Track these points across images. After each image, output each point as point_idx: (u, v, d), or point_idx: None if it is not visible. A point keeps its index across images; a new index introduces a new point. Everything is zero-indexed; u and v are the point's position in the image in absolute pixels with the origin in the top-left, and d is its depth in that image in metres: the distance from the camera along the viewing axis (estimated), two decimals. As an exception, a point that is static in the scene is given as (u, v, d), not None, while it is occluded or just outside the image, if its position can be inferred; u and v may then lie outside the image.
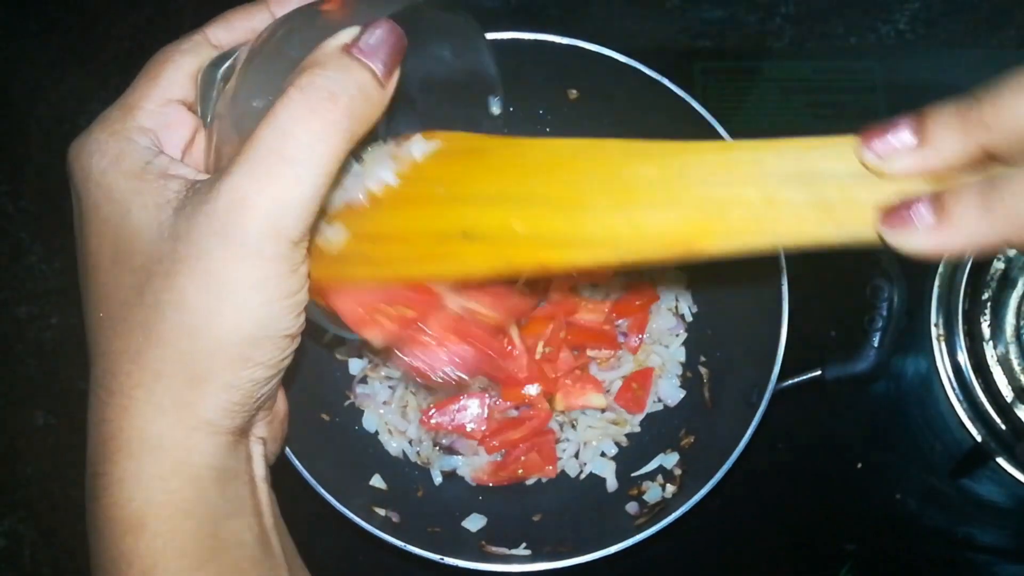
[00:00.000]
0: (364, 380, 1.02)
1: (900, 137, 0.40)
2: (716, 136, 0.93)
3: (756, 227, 0.46)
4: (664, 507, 0.90)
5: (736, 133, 0.93)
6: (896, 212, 0.39)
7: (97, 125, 0.50)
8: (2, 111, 1.19)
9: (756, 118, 1.16)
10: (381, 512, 0.92)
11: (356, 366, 1.03)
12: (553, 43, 0.95)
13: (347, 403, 1.02)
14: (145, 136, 0.48)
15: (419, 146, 0.60)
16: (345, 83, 0.43)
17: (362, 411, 1.02)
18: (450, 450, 1.00)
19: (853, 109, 1.16)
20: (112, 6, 1.22)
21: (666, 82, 0.94)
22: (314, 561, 1.03)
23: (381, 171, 0.59)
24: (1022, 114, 0.39)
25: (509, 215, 0.50)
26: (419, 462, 1.01)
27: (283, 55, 0.48)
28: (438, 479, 1.00)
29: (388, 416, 1.01)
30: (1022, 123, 0.38)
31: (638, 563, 1.00)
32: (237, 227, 0.41)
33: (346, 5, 0.51)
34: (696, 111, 0.94)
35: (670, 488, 0.96)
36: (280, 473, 0.88)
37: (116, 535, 0.47)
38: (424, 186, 0.57)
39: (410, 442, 1.01)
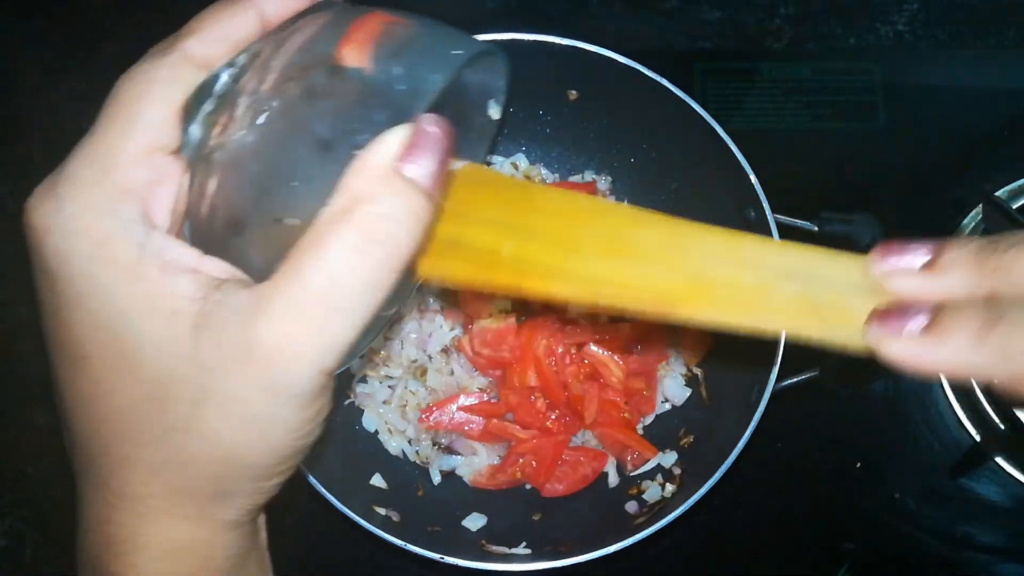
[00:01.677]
0: (364, 379, 1.03)
1: (914, 259, 0.41)
2: (715, 135, 0.93)
3: (741, 307, 0.46)
4: (664, 506, 0.90)
5: (736, 133, 0.93)
6: (889, 314, 0.39)
7: (65, 184, 0.40)
8: (3, 111, 1.19)
9: (755, 119, 1.16)
10: (381, 511, 0.92)
11: (355, 365, 1.03)
12: (553, 44, 0.96)
13: (347, 402, 1.02)
14: (130, 204, 0.40)
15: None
16: (400, 217, 0.38)
17: (362, 410, 1.02)
18: (449, 450, 1.01)
19: (852, 110, 1.17)
20: (112, 6, 1.22)
21: (666, 83, 0.95)
22: (314, 560, 1.03)
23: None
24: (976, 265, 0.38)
25: (500, 238, 0.51)
26: (418, 461, 1.01)
27: (302, 115, 0.40)
28: (437, 478, 1.00)
29: (388, 415, 1.02)
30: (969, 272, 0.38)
31: (638, 563, 1.00)
32: (281, 376, 0.38)
33: (384, 41, 0.42)
34: (695, 112, 0.94)
35: (670, 487, 0.96)
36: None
37: None
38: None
39: (409, 441, 1.02)
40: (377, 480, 0.98)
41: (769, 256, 0.46)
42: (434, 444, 1.01)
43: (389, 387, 1.03)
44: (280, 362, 0.37)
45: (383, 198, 0.38)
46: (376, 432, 1.02)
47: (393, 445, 1.01)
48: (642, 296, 0.48)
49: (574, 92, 1.04)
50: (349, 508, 0.84)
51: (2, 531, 1.04)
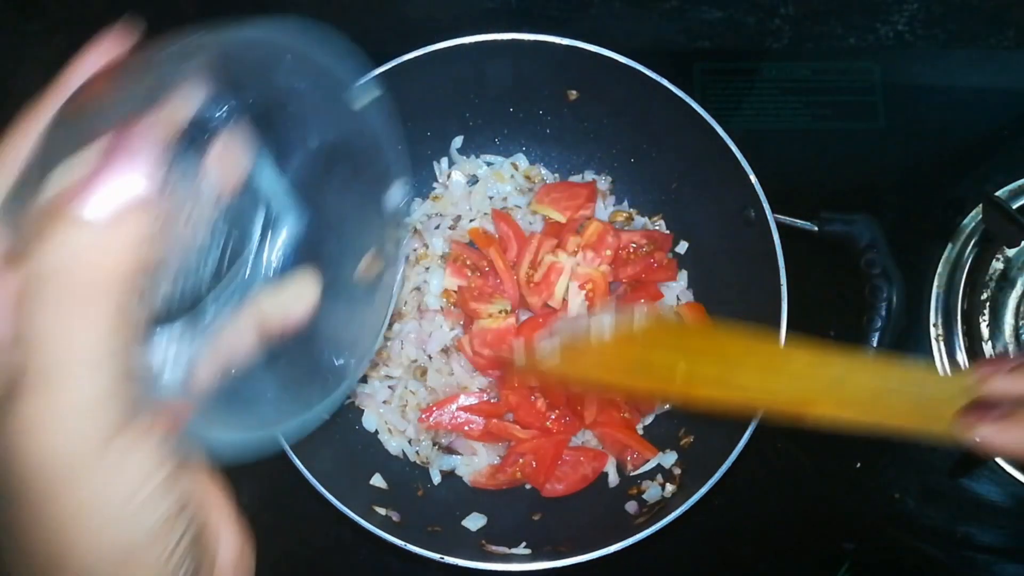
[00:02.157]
0: (364, 380, 1.03)
1: (1006, 366, 0.55)
2: (715, 135, 0.93)
3: (862, 410, 0.63)
4: (664, 506, 0.90)
5: (735, 133, 0.93)
6: (979, 406, 0.54)
7: None
8: (3, 111, 1.19)
9: (755, 119, 1.16)
10: (381, 511, 0.92)
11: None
12: (553, 44, 0.96)
13: (347, 402, 1.02)
14: None
15: (640, 315, 0.79)
16: (80, 254, 0.34)
17: (362, 410, 1.02)
18: (449, 450, 1.01)
19: (852, 109, 1.17)
20: (113, 6, 1.22)
21: (665, 83, 0.95)
22: (315, 560, 1.03)
23: (607, 320, 0.77)
24: None
25: (679, 358, 0.69)
26: (418, 461, 1.01)
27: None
28: (437, 478, 1.00)
29: (388, 415, 1.02)
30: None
31: (638, 562, 1.00)
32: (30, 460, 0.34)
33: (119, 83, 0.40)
34: (695, 111, 0.94)
35: (669, 487, 0.96)
36: (281, 472, 0.88)
37: None
38: (629, 346, 0.76)
39: (409, 441, 1.02)
40: (377, 480, 0.98)
41: (884, 374, 0.64)
42: (434, 444, 1.01)
43: (389, 387, 1.03)
44: (26, 444, 0.34)
45: (50, 234, 0.34)
46: (376, 432, 1.02)
47: (393, 445, 1.01)
48: (788, 401, 0.65)
49: (574, 92, 1.04)
50: (349, 508, 0.84)
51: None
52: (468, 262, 1.04)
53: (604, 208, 1.09)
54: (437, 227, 1.08)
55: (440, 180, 1.10)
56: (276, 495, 1.03)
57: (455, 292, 1.04)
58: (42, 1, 1.23)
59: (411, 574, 1.00)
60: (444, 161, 1.10)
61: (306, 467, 0.84)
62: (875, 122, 1.17)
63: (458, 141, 1.09)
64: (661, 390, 0.71)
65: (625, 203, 1.10)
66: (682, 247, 1.07)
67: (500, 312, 1.00)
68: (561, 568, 0.84)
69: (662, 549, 1.00)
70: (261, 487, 1.04)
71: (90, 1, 1.23)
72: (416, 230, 1.08)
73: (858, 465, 1.04)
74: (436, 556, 0.83)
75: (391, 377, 1.03)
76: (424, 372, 1.02)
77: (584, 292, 1.02)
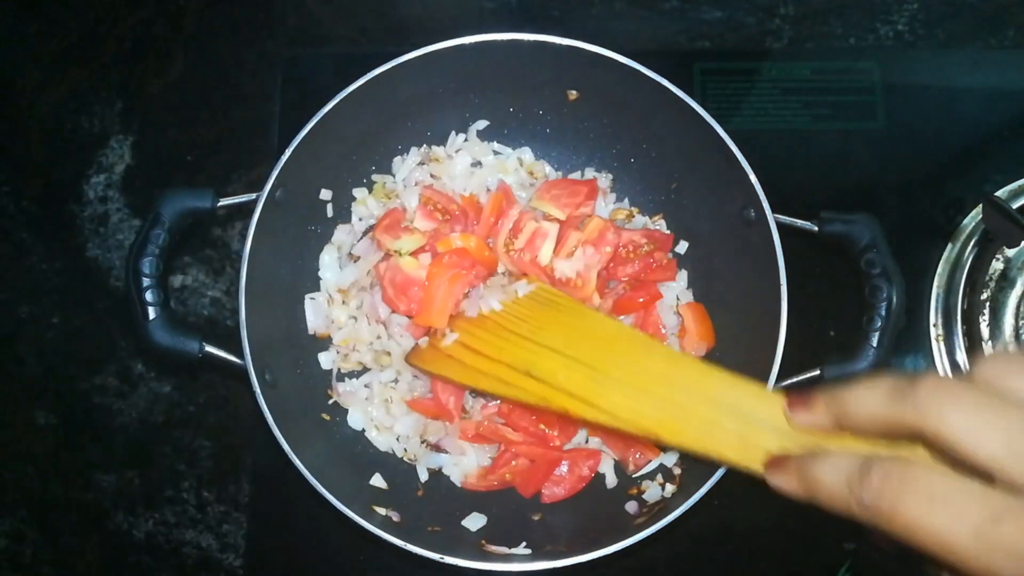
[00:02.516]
0: (340, 377, 1.02)
1: (803, 404, 0.56)
2: (715, 135, 0.93)
3: (697, 438, 0.66)
4: (664, 506, 0.90)
5: (735, 133, 0.93)
6: (775, 460, 0.56)
7: None
8: (3, 111, 1.19)
9: (755, 119, 1.16)
10: (381, 511, 0.92)
11: (326, 360, 1.02)
12: (553, 44, 0.96)
13: (331, 401, 1.01)
14: None
15: (523, 287, 0.96)
16: None
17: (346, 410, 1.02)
18: (437, 448, 1.00)
19: (852, 110, 1.17)
20: (112, 6, 1.22)
21: (665, 83, 0.95)
22: (315, 559, 1.03)
23: (492, 299, 0.93)
24: (860, 404, 0.51)
25: (560, 369, 0.78)
26: (405, 459, 1.01)
27: None
28: (424, 476, 1.00)
29: (373, 413, 1.01)
30: (860, 411, 0.51)
31: (638, 563, 1.00)
32: None
33: None
34: (695, 111, 0.94)
35: (670, 487, 0.96)
36: (282, 471, 0.88)
37: None
38: (515, 320, 0.87)
39: (397, 438, 1.01)
40: (377, 480, 0.98)
41: (725, 394, 0.65)
42: (422, 442, 1.01)
43: (365, 385, 1.02)
44: None
45: None
46: (363, 431, 1.01)
47: (381, 442, 1.01)
48: (641, 426, 0.70)
49: (574, 92, 1.04)
50: (349, 508, 0.84)
51: (2, 531, 1.04)
52: (439, 205, 1.03)
53: (605, 206, 1.08)
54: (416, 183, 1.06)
55: (447, 150, 1.09)
56: (277, 495, 1.03)
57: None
58: (42, 1, 1.23)
59: (411, 574, 1.00)
60: (461, 137, 1.09)
61: (307, 466, 0.84)
62: (875, 122, 1.17)
63: (481, 124, 1.09)
64: (544, 404, 0.79)
65: (626, 201, 1.10)
66: (682, 247, 1.07)
67: (409, 252, 0.98)
68: (561, 568, 0.83)
69: (662, 549, 1.00)
70: (262, 486, 1.04)
71: (90, 1, 1.23)
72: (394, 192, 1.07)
73: (858, 465, 1.04)
74: (436, 556, 0.83)
75: (364, 366, 1.02)
76: (389, 354, 1.00)
77: (587, 254, 1.01)
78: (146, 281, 0.87)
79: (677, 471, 0.97)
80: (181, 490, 1.05)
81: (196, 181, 1.16)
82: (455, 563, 0.84)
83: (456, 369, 0.91)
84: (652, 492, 0.96)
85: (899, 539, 0.46)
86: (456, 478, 1.00)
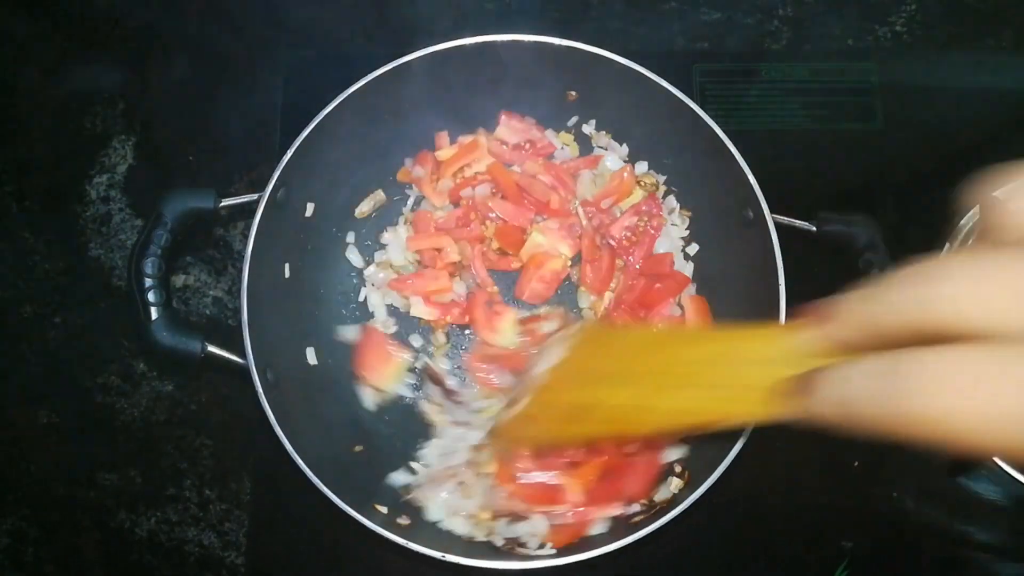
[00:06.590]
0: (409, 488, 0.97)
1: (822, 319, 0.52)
2: (715, 136, 0.93)
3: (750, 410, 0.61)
4: (665, 505, 0.91)
5: (735, 133, 0.94)
6: (801, 382, 0.51)
7: None
8: (6, 111, 1.19)
9: (754, 119, 1.17)
10: (383, 510, 0.92)
11: (398, 480, 0.97)
12: (553, 45, 0.96)
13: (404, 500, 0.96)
14: None
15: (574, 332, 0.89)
16: None
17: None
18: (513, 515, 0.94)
19: (851, 110, 1.17)
20: (115, 7, 1.22)
21: (665, 84, 0.95)
22: (317, 557, 1.04)
23: (554, 353, 0.86)
24: (857, 312, 0.49)
25: (617, 394, 0.73)
26: (480, 538, 0.94)
27: None
28: (500, 543, 0.93)
29: (451, 501, 0.95)
30: (855, 319, 0.49)
31: (638, 561, 1.01)
32: None
33: None
34: (695, 112, 0.94)
35: (676, 483, 0.96)
36: (283, 469, 0.89)
37: None
38: (575, 362, 0.82)
39: (471, 518, 0.95)
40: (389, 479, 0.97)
41: (752, 346, 0.61)
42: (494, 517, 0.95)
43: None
44: None
45: None
46: (438, 522, 0.95)
47: (458, 527, 0.94)
48: (693, 418, 0.66)
49: (574, 92, 1.05)
50: (350, 508, 0.84)
51: (3, 530, 1.04)
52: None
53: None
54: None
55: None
56: (278, 493, 1.03)
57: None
58: (42, 1, 1.24)
59: (412, 572, 1.00)
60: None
61: (307, 464, 0.85)
62: (873, 123, 1.17)
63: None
64: (608, 433, 0.76)
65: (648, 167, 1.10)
66: (679, 243, 1.07)
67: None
68: (562, 567, 0.84)
69: (662, 548, 1.00)
70: (263, 484, 1.04)
71: (92, 2, 1.23)
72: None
73: (856, 464, 1.05)
74: (438, 555, 0.84)
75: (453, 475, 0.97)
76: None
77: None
78: (148, 281, 0.87)
79: (677, 469, 0.97)
80: (183, 488, 1.05)
81: (198, 181, 1.16)
82: (457, 561, 0.84)
83: (530, 427, 0.85)
84: (661, 493, 0.95)
85: (933, 438, 0.43)
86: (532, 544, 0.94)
